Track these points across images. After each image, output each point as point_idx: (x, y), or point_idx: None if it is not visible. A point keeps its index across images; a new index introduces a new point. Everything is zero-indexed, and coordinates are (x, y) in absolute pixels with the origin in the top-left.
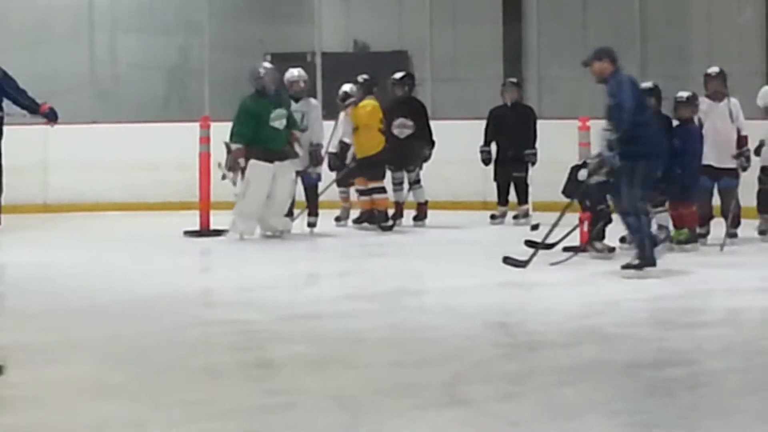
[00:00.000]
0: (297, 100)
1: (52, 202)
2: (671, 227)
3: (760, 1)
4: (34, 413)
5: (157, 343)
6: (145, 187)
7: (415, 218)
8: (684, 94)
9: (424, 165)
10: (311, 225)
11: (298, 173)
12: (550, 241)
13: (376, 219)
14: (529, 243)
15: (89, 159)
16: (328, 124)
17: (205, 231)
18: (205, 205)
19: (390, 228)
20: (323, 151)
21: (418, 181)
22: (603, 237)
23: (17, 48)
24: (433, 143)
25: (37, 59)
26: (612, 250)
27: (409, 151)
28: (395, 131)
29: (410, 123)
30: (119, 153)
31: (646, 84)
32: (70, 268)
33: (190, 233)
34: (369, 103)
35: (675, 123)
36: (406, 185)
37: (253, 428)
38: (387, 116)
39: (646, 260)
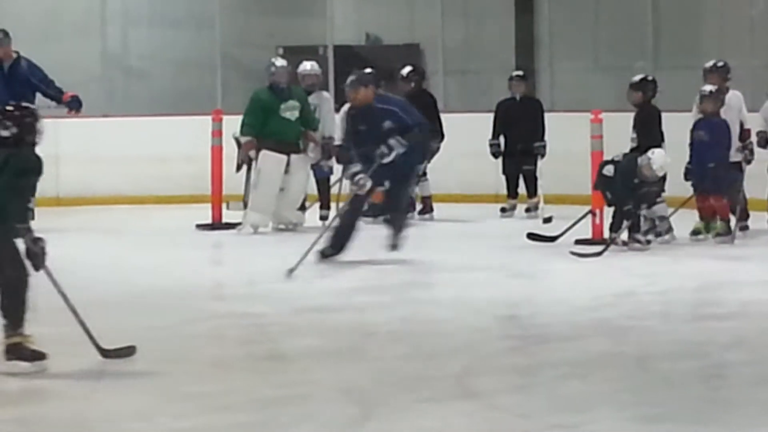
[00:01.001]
0: (309, 94)
1: (64, 196)
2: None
3: None
4: (43, 406)
5: (168, 336)
6: (156, 180)
7: (421, 212)
8: (708, 87)
9: (434, 158)
10: (323, 218)
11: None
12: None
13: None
14: (532, 236)
15: (101, 152)
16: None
17: (217, 224)
18: (217, 199)
19: None
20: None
21: (424, 174)
22: (638, 230)
23: (27, 41)
24: (442, 136)
25: (47, 53)
26: (648, 242)
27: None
28: None
29: None
30: (131, 146)
31: (635, 77)
32: (81, 262)
33: (202, 226)
34: None
35: (699, 116)
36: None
37: (263, 420)
38: None
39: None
